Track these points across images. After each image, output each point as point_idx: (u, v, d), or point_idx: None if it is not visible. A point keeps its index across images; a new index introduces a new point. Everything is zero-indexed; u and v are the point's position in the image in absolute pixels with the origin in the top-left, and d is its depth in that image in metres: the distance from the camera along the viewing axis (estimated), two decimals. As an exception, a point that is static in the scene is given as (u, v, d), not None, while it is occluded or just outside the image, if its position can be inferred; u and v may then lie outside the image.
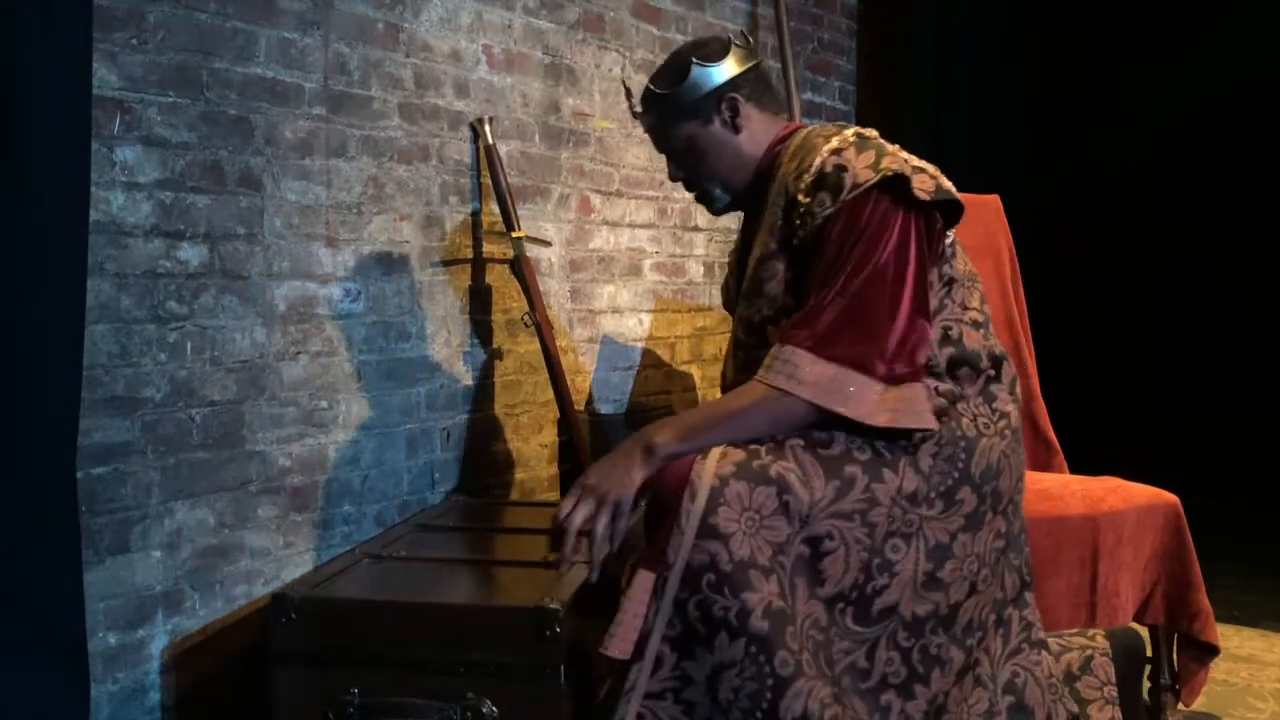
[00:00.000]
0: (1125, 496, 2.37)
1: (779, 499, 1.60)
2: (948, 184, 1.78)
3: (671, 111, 1.89)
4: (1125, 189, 4.74)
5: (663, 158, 1.99)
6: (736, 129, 1.88)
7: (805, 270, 1.75)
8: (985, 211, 2.95)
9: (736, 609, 1.54)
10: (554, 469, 2.96)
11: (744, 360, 1.85)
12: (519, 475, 2.86)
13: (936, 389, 1.76)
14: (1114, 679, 1.90)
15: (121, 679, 1.96)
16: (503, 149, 2.73)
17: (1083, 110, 4.74)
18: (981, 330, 1.85)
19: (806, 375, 1.65)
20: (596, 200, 3.11)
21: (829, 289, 1.69)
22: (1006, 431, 1.80)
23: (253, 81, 2.16)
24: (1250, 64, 4.38)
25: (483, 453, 2.74)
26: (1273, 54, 4.31)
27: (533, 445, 2.90)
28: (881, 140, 1.81)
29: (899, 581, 1.67)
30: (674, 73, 1.89)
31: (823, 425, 1.68)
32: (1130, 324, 4.77)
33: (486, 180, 2.71)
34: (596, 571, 1.67)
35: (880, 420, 1.65)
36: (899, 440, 1.70)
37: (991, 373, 1.83)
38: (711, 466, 1.61)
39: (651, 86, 1.91)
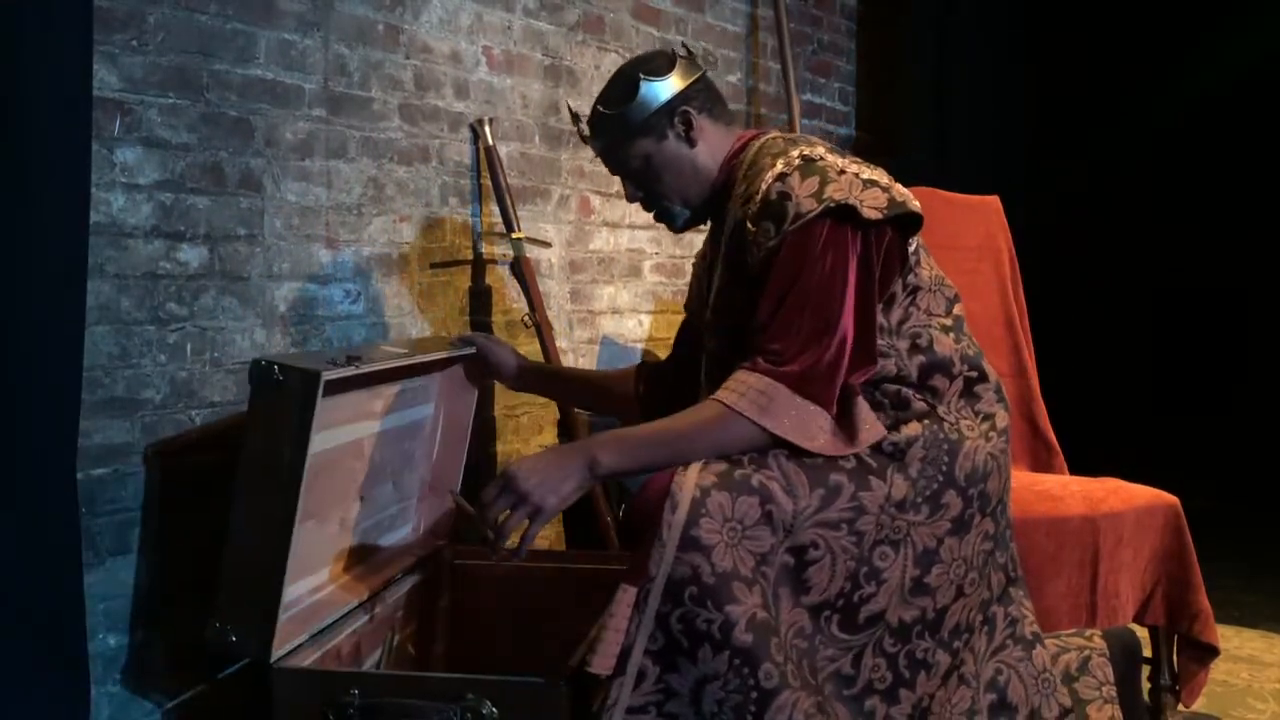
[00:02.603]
0: (1125, 497, 2.37)
1: (762, 509, 1.59)
2: (902, 193, 1.76)
3: (624, 131, 1.85)
4: (1125, 189, 4.76)
5: None
6: (692, 142, 1.86)
7: (757, 299, 1.73)
8: (985, 212, 2.95)
9: (720, 621, 1.54)
10: (554, 470, 2.96)
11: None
12: (519, 476, 2.86)
13: (913, 397, 1.75)
14: (1112, 679, 1.90)
15: (122, 680, 1.96)
16: (503, 150, 2.73)
17: (1083, 110, 4.75)
18: (952, 334, 1.82)
19: (781, 409, 1.63)
20: (596, 201, 3.11)
21: (792, 322, 1.66)
22: (991, 434, 1.79)
23: (253, 83, 2.16)
24: (1250, 64, 4.39)
25: (483, 454, 2.74)
26: (1273, 54, 4.32)
27: (532, 447, 2.90)
28: (829, 159, 1.76)
29: (886, 589, 1.67)
30: (622, 91, 1.85)
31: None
32: (1130, 324, 4.78)
33: (486, 181, 2.71)
34: (499, 558, 1.66)
35: (844, 450, 1.65)
36: (883, 447, 1.69)
37: (972, 375, 1.81)
38: (692, 478, 1.60)
39: (600, 108, 1.87)
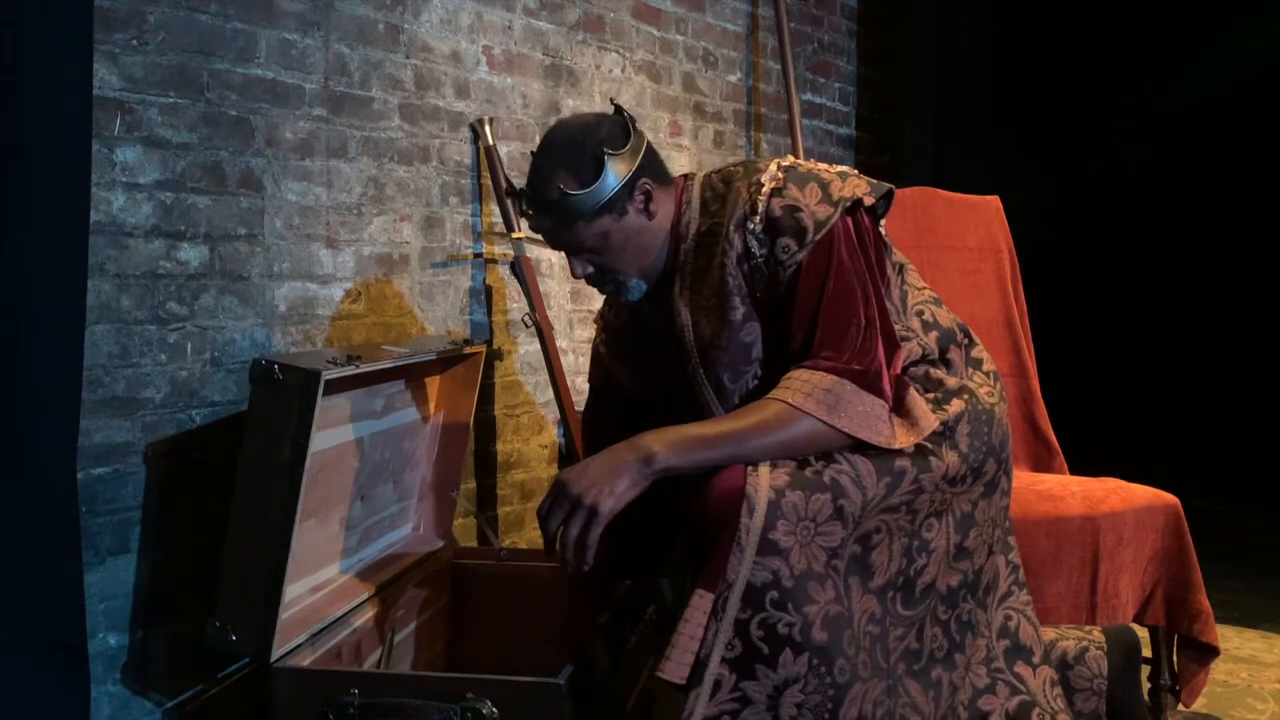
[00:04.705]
0: (1125, 497, 2.37)
1: (834, 504, 1.59)
2: (867, 178, 1.79)
3: (583, 211, 1.73)
4: (1125, 189, 4.75)
5: None
6: (651, 214, 1.78)
7: (785, 315, 1.72)
8: (985, 211, 2.95)
9: (800, 624, 1.53)
10: (554, 469, 2.96)
11: None
12: (519, 476, 2.86)
13: (944, 375, 1.80)
14: (1105, 673, 1.91)
15: (122, 680, 1.96)
16: (503, 150, 2.73)
17: (1083, 110, 4.75)
18: (943, 305, 1.89)
19: (849, 406, 1.62)
20: (597, 201, 3.10)
21: (838, 322, 1.67)
22: (1004, 393, 1.87)
23: (253, 82, 2.16)
24: (1250, 64, 4.39)
25: (483, 453, 2.74)
26: (1273, 54, 4.32)
27: (533, 446, 2.90)
28: (808, 164, 1.79)
29: (935, 558, 1.70)
30: (584, 167, 1.72)
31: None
32: (1131, 324, 4.78)
33: (487, 181, 2.71)
34: (571, 571, 1.63)
35: (908, 441, 1.67)
36: (935, 427, 1.72)
37: (966, 340, 1.88)
38: (765, 479, 1.58)
39: (562, 187, 1.71)
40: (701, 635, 1.54)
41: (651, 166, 1.79)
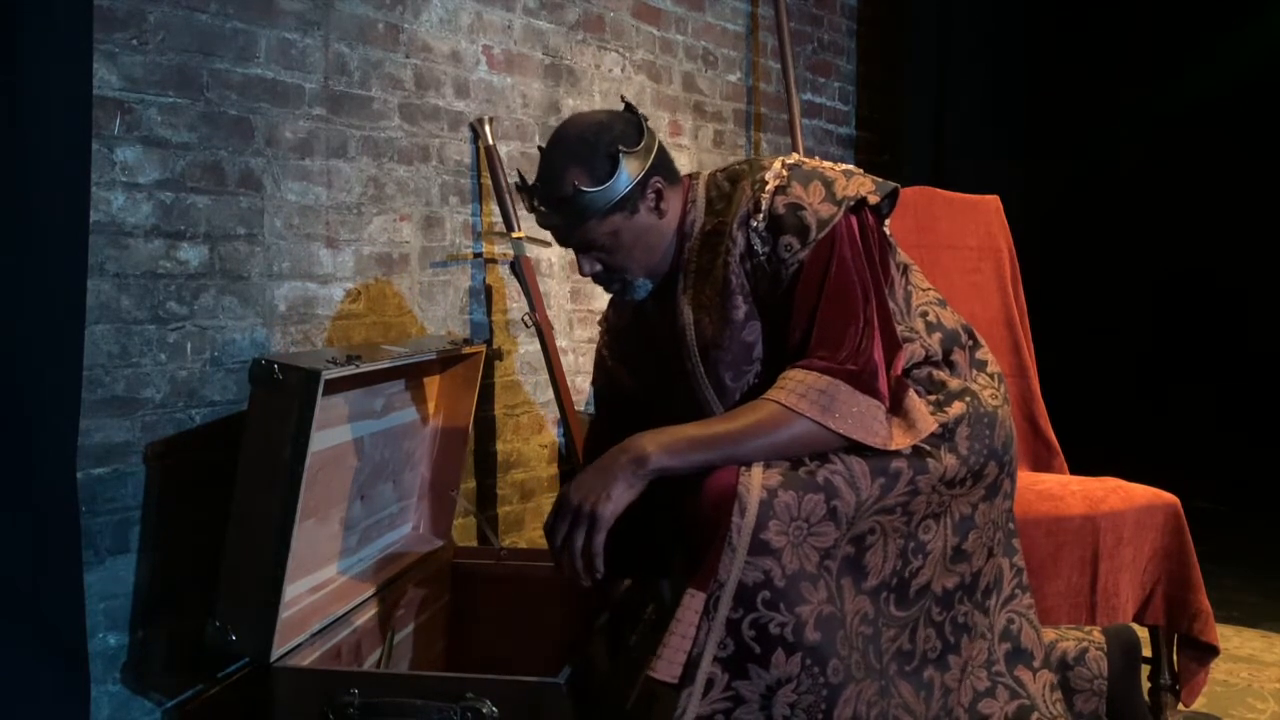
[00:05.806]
0: (1125, 497, 2.37)
1: (827, 505, 1.58)
2: (872, 177, 1.78)
3: (596, 208, 1.72)
4: (1125, 189, 4.75)
5: None
6: (662, 212, 1.78)
7: (786, 315, 1.71)
8: (985, 211, 2.95)
9: (792, 624, 1.53)
10: (554, 469, 2.96)
11: None
12: (519, 475, 2.86)
13: (947, 377, 1.79)
14: (1105, 674, 1.91)
15: (122, 680, 1.96)
16: (503, 149, 2.73)
17: (1083, 110, 4.75)
18: (948, 307, 1.88)
19: (843, 407, 1.61)
20: (596, 200, 3.10)
21: (836, 321, 1.66)
22: (1007, 395, 1.86)
23: (253, 82, 2.16)
24: (1251, 64, 4.39)
25: (483, 453, 2.74)
26: (1273, 54, 4.32)
27: (533, 445, 2.90)
28: (812, 163, 1.78)
29: (930, 560, 1.70)
30: (598, 165, 1.71)
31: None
32: (1131, 324, 4.78)
33: (486, 181, 2.71)
34: (586, 582, 1.63)
35: (904, 443, 1.65)
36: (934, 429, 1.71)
37: (971, 342, 1.88)
38: (758, 479, 1.57)
39: (575, 184, 1.71)
40: (693, 635, 1.54)
41: (662, 165, 1.79)
